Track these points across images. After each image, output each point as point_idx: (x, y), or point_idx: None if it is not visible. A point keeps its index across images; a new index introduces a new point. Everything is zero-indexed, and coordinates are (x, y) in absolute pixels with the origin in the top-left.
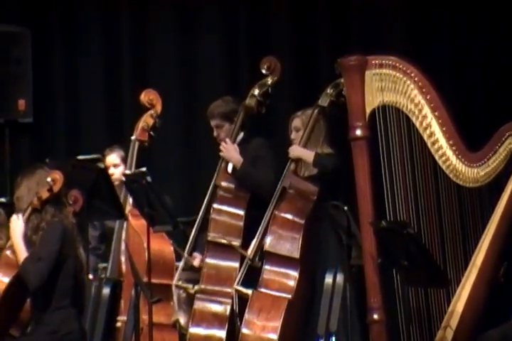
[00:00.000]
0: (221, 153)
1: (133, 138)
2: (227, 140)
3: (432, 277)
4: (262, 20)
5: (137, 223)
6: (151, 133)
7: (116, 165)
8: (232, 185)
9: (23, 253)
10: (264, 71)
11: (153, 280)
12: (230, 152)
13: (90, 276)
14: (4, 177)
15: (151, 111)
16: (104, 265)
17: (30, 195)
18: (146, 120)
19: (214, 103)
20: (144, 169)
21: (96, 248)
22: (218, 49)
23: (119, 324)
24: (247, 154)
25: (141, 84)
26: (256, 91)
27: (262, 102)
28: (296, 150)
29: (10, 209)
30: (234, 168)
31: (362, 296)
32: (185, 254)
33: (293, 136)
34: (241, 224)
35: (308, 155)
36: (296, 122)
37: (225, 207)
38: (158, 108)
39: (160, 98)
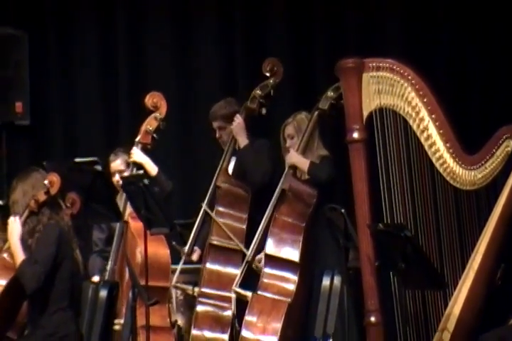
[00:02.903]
0: (232, 126)
1: (136, 140)
2: (238, 115)
3: (429, 279)
4: (259, 25)
5: (136, 225)
6: (155, 135)
7: (121, 171)
8: (233, 187)
9: (20, 255)
10: (266, 73)
11: (148, 283)
12: (241, 128)
13: (96, 278)
14: (1, 179)
15: (156, 114)
16: None
17: (25, 198)
18: (150, 123)
19: (216, 104)
20: (141, 171)
21: (103, 250)
22: (215, 54)
23: (117, 327)
24: None
25: (138, 86)
26: (258, 93)
27: (263, 104)
28: (292, 158)
29: (7, 212)
30: (234, 163)
31: (359, 299)
32: (185, 250)
33: (288, 143)
34: (244, 227)
35: (303, 163)
36: (289, 130)
37: (227, 210)
38: (163, 110)
39: (164, 100)
